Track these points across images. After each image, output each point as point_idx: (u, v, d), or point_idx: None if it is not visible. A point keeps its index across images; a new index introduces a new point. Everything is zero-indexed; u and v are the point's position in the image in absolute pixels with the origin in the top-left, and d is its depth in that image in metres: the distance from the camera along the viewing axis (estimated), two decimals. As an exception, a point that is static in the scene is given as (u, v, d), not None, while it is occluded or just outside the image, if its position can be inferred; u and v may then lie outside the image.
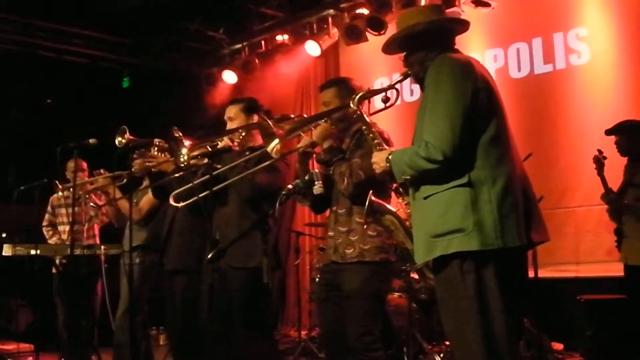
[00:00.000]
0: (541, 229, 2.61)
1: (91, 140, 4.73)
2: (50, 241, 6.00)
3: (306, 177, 3.12)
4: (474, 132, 2.54)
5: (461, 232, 2.47)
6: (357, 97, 2.93)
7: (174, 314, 4.38)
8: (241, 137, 3.86)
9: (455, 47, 2.81)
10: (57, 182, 5.46)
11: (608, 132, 4.98)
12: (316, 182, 3.33)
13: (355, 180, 3.25)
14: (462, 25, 2.85)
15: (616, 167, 5.01)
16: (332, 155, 3.33)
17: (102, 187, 5.16)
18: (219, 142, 3.82)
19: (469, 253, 2.47)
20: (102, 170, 5.20)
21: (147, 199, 4.88)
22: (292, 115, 4.02)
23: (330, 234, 3.50)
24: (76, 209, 5.22)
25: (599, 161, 5.01)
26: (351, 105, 2.92)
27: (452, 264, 2.51)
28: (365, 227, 3.26)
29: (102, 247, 5.30)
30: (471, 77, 2.59)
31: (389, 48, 2.86)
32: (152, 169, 4.35)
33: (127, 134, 4.49)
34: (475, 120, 2.54)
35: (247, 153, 3.86)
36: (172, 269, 4.35)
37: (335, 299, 3.39)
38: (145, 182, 4.96)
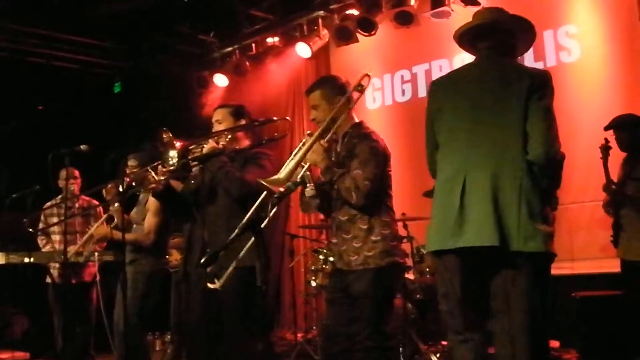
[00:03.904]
0: (483, 232, 2.60)
1: (83, 147, 4.68)
2: (43, 250, 5.95)
3: (298, 180, 3.11)
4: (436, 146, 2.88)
5: None
6: None
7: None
8: (227, 139, 3.88)
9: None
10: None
11: (607, 128, 4.90)
12: (308, 185, 3.33)
13: (364, 192, 3.28)
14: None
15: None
16: (332, 175, 3.34)
17: (101, 238, 5.15)
18: (204, 145, 3.82)
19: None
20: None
21: (153, 222, 4.83)
22: (288, 118, 4.11)
23: (334, 240, 3.51)
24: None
25: (606, 150, 4.91)
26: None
27: None
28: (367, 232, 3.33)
29: (96, 254, 5.27)
30: (431, 96, 2.93)
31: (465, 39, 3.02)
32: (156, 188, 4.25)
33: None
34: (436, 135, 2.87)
35: (234, 155, 3.90)
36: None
37: (344, 300, 3.41)
38: (149, 209, 4.91)
